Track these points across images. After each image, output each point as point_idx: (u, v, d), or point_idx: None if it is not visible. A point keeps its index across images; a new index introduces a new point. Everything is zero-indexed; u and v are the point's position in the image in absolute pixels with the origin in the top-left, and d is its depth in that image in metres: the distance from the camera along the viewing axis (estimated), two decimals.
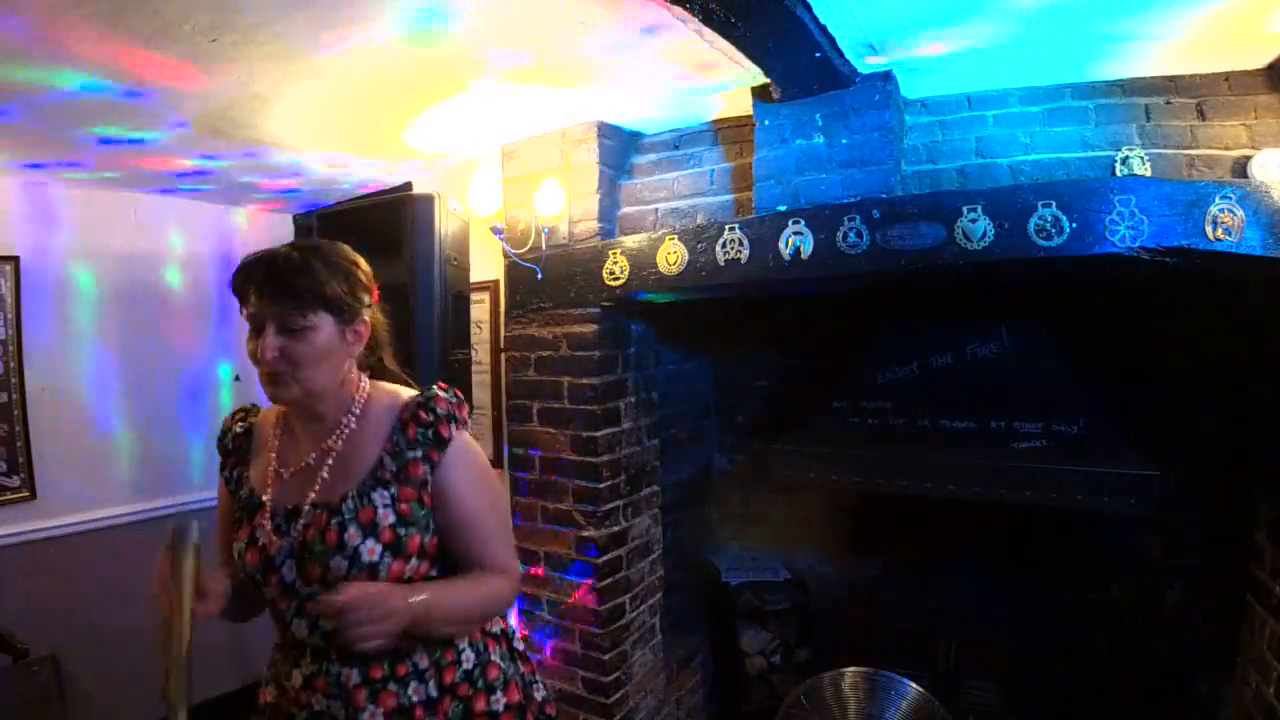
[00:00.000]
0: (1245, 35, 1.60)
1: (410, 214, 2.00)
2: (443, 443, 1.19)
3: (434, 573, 1.20)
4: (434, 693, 1.17)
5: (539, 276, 2.38)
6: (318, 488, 1.17)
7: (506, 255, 2.42)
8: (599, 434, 2.32)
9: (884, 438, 2.31)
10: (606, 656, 2.37)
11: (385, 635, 1.04)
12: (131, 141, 2.34)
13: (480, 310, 2.88)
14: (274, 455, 1.24)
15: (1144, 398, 2.25)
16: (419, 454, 1.17)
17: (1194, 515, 2.19)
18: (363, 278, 1.23)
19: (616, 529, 2.41)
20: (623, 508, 2.43)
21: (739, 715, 2.80)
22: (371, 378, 1.29)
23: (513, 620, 1.38)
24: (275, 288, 1.12)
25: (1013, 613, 2.32)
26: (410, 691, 1.15)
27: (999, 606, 2.35)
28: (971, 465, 2.10)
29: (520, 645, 1.38)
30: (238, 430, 1.33)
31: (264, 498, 1.21)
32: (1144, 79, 1.81)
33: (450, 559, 1.22)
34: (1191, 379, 2.19)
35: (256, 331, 1.13)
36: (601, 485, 2.33)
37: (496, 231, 2.31)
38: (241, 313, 1.16)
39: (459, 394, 1.27)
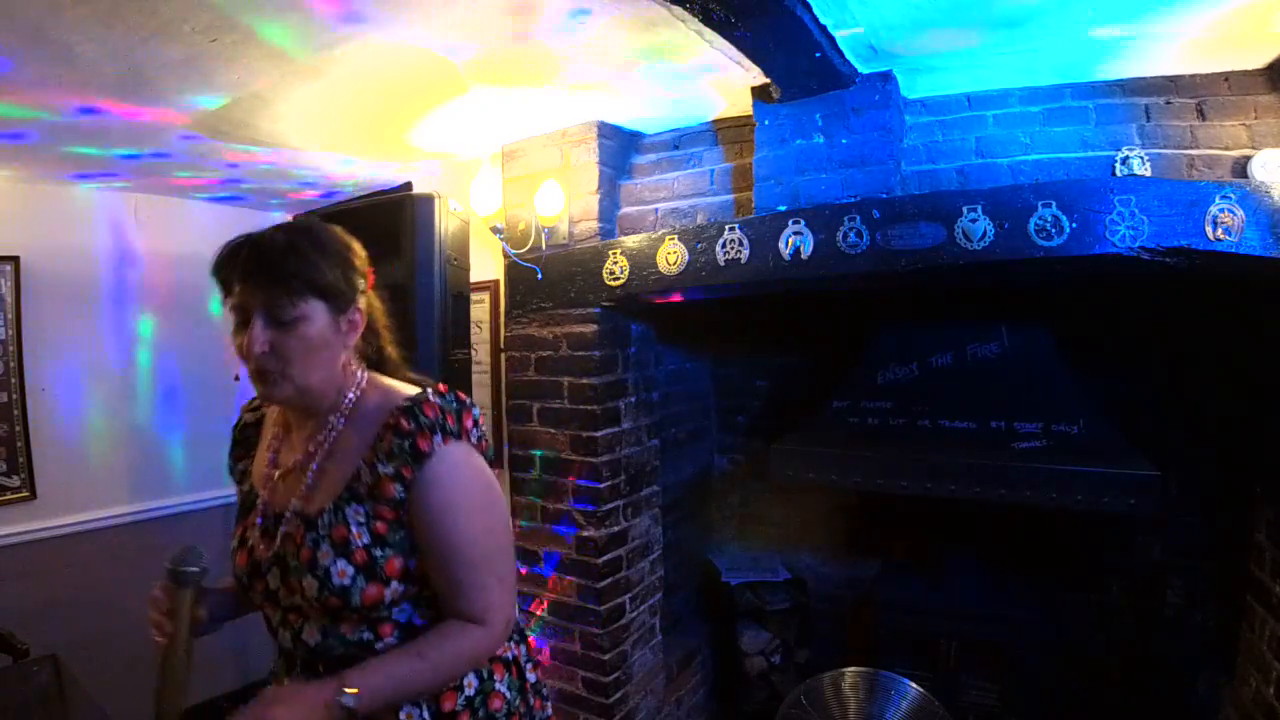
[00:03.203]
0: (1246, 35, 1.60)
1: (410, 214, 2.00)
2: (419, 458, 1.02)
3: (427, 592, 1.08)
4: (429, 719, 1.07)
5: (539, 276, 2.38)
6: (301, 494, 1.08)
7: (506, 255, 2.42)
8: (599, 434, 2.32)
9: (884, 438, 2.31)
10: (606, 656, 2.37)
11: None
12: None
13: (480, 310, 2.88)
14: (270, 451, 1.17)
15: (1144, 398, 2.26)
16: (390, 470, 1.03)
17: (1194, 515, 2.19)
18: (356, 261, 1.12)
19: (616, 529, 2.41)
20: (623, 508, 2.43)
21: (739, 715, 2.80)
22: (372, 369, 1.17)
23: (524, 648, 1.27)
24: (262, 273, 1.00)
25: (1013, 613, 2.32)
26: (404, 717, 1.05)
27: (999, 606, 2.35)
28: (971, 465, 2.10)
29: (534, 676, 1.25)
30: (248, 419, 1.26)
31: (259, 498, 1.14)
32: (1144, 79, 1.81)
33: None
34: (1192, 379, 2.19)
35: (243, 324, 1.02)
36: (601, 485, 2.33)
37: (496, 231, 2.31)
38: (225, 303, 1.04)
39: (462, 397, 1.11)
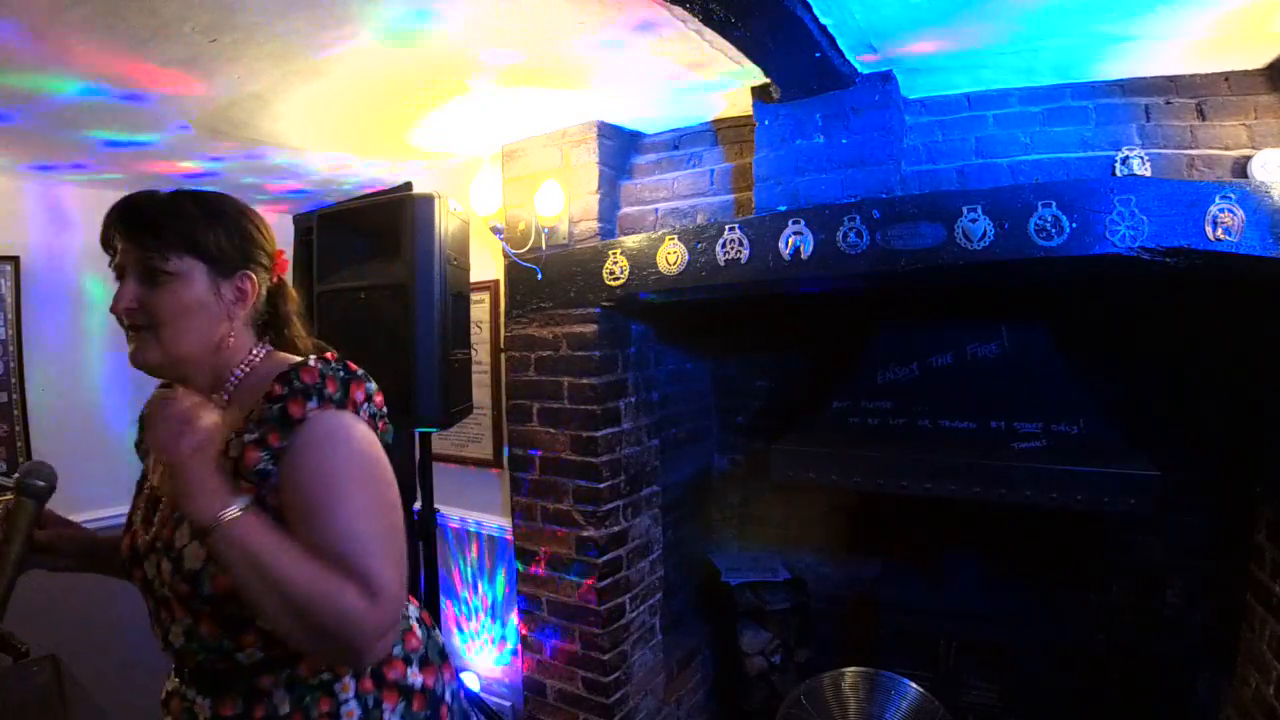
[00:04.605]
0: (1246, 35, 1.60)
1: (410, 214, 2.00)
2: (289, 424, 0.91)
3: None
4: None
5: (539, 276, 2.38)
6: None
7: (506, 255, 2.42)
8: (599, 434, 2.32)
9: (884, 438, 2.31)
10: (606, 656, 2.37)
11: (174, 451, 0.85)
12: (134, 144, 2.35)
13: (480, 310, 2.88)
14: None
15: (1144, 398, 2.26)
16: (256, 436, 0.92)
17: (1194, 515, 2.19)
18: (255, 232, 1.04)
19: (616, 529, 2.41)
20: (623, 508, 2.43)
21: (739, 715, 2.80)
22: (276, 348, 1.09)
23: (437, 676, 1.12)
24: (137, 227, 0.96)
25: (1013, 613, 2.32)
26: None
27: (999, 606, 2.35)
28: (971, 465, 2.10)
29: (427, 712, 1.06)
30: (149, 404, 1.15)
31: (147, 480, 1.08)
32: (1144, 79, 1.81)
33: None
34: (1192, 379, 2.19)
35: (120, 280, 0.97)
36: (601, 485, 2.33)
37: (496, 231, 2.31)
38: (111, 265, 1.00)
39: (353, 368, 1.01)
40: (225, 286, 1.01)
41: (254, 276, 1.04)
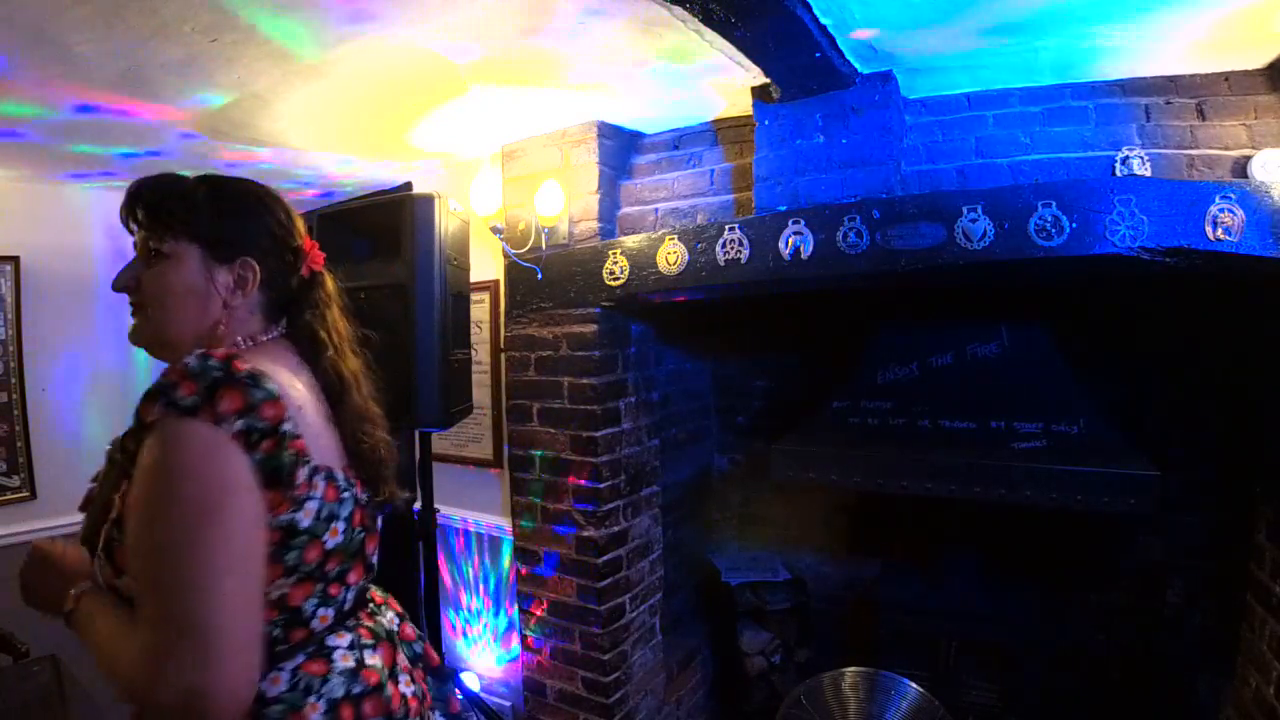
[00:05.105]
0: (1246, 35, 1.60)
1: (410, 214, 2.00)
2: (139, 427, 0.84)
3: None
4: None
5: (539, 276, 2.38)
6: None
7: (506, 255, 2.42)
8: (599, 434, 2.32)
9: (884, 438, 2.31)
10: (606, 656, 2.37)
11: (36, 603, 0.97)
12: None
13: (480, 310, 2.87)
14: None
15: (1144, 398, 2.26)
16: (118, 441, 0.91)
17: (1194, 515, 2.19)
18: (273, 223, 1.03)
19: (616, 529, 2.41)
20: (623, 508, 2.43)
21: (739, 715, 2.80)
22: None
23: None
24: (139, 205, 0.98)
25: (1013, 613, 2.32)
26: None
27: (999, 606, 2.35)
28: (971, 465, 2.10)
29: None
30: None
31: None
32: (1144, 79, 1.81)
33: None
34: (1191, 379, 2.19)
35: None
36: (601, 485, 2.33)
37: (496, 231, 2.31)
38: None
39: (236, 369, 0.84)
40: (221, 272, 0.99)
41: (256, 265, 1.01)
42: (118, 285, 1.00)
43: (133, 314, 1.01)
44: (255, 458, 0.83)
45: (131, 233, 1.01)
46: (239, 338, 1.01)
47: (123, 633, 0.84)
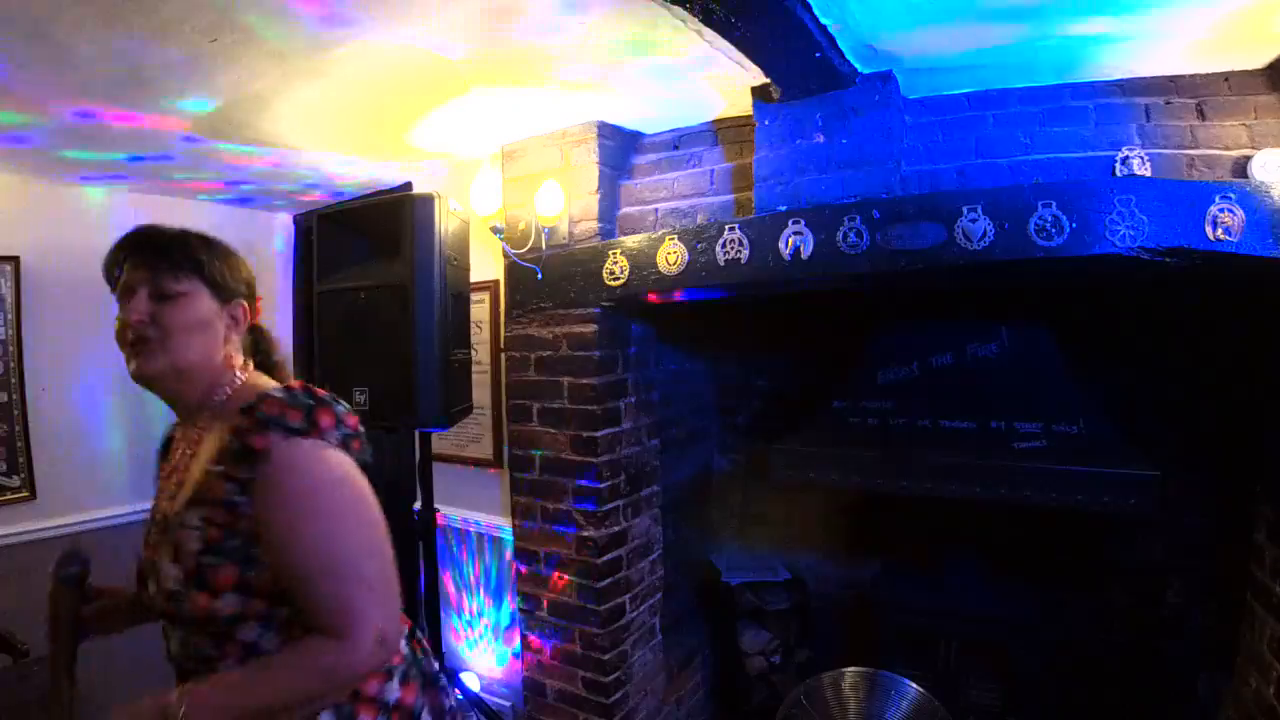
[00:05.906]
0: (1246, 35, 1.60)
1: (410, 214, 2.00)
2: (252, 457, 0.96)
3: (282, 612, 0.99)
4: None
5: (539, 276, 2.38)
6: (168, 496, 1.07)
7: (506, 255, 2.42)
8: (599, 434, 2.32)
9: (884, 438, 2.31)
10: (606, 656, 2.37)
11: None
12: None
13: (480, 310, 2.88)
14: (174, 454, 1.15)
15: (1144, 398, 2.25)
16: (220, 469, 0.97)
17: (1194, 515, 2.19)
18: (243, 269, 1.16)
19: (616, 529, 2.41)
20: (623, 508, 2.43)
21: (739, 715, 2.80)
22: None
23: (423, 695, 1.13)
24: (149, 252, 1.06)
25: (1013, 613, 2.32)
26: None
27: (999, 606, 2.35)
28: (972, 465, 2.10)
29: None
30: (166, 431, 1.26)
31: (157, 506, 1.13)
32: (1144, 79, 1.81)
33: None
34: (1191, 379, 2.19)
35: (126, 300, 1.05)
36: (601, 485, 2.33)
37: (496, 231, 2.31)
38: (114, 293, 1.09)
39: (320, 394, 1.04)
40: (225, 310, 1.12)
41: (245, 306, 1.15)
42: (134, 323, 1.04)
43: (133, 353, 1.05)
44: (354, 457, 1.05)
45: (114, 279, 1.09)
46: (237, 369, 1.13)
47: (279, 659, 0.97)
